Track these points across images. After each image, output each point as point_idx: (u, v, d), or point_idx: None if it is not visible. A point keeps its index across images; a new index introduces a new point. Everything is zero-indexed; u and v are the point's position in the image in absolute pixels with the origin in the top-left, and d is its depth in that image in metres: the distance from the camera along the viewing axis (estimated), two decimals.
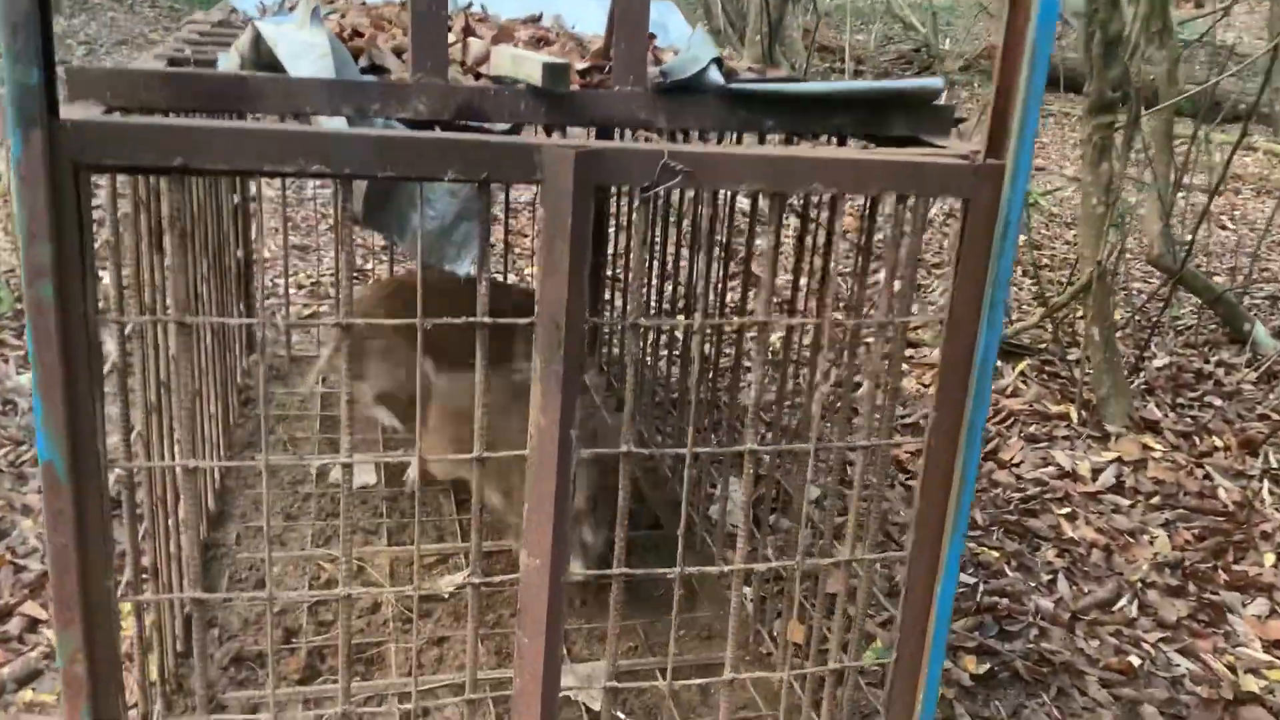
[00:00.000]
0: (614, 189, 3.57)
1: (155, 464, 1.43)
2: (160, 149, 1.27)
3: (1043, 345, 4.66)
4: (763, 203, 1.64)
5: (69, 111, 1.27)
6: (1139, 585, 2.93)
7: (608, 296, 3.96)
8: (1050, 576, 2.95)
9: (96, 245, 1.54)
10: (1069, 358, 4.51)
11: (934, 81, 1.69)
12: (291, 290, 4.70)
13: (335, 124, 1.57)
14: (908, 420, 3.88)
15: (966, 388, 1.64)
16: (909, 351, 4.49)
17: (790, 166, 1.45)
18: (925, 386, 4.19)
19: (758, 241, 2.37)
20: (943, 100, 1.77)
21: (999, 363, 4.47)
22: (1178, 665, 2.61)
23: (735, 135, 2.05)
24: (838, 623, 1.74)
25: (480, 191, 1.41)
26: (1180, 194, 4.64)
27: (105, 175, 1.50)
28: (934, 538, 1.71)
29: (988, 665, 2.51)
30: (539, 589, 1.53)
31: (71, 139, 1.24)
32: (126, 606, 2.14)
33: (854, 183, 1.49)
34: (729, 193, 2.68)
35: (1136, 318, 4.94)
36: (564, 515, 1.51)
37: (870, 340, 1.67)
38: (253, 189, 3.60)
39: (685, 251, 2.93)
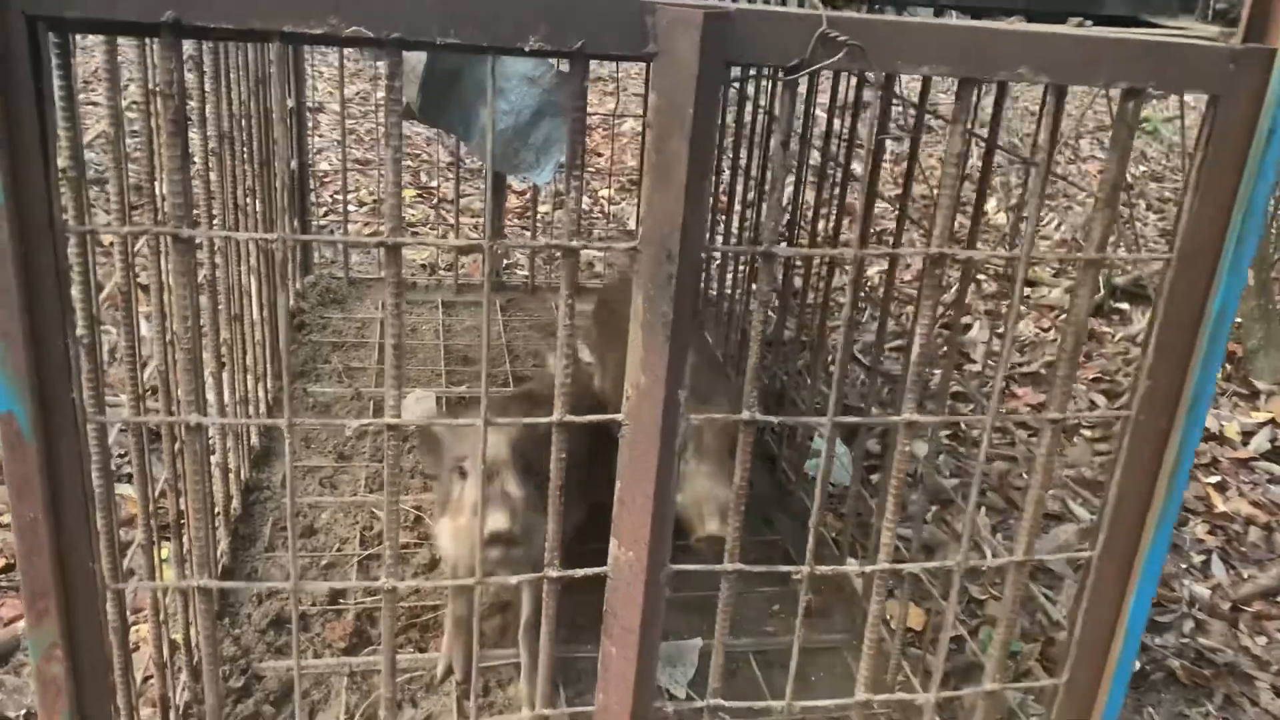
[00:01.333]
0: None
1: (144, 419, 1.13)
2: None
3: None
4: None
5: None
6: None
7: None
8: (1203, 557, 2.56)
9: (88, 139, 1.23)
10: None
11: None
12: (351, 207, 4.42)
13: None
14: (1027, 369, 3.47)
15: (1193, 347, 1.26)
16: (1027, 291, 4.04)
17: (992, 44, 1.07)
18: (1044, 330, 3.76)
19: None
20: None
21: (1125, 305, 4.01)
22: None
23: (896, 11, 1.65)
24: (999, 640, 1.39)
25: (573, 69, 1.06)
26: None
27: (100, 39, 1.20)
28: (1131, 535, 1.35)
29: (1137, 663, 2.15)
30: (632, 588, 1.20)
31: None
32: (165, 552, 1.89)
33: (1074, 69, 1.11)
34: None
35: None
36: (666, 498, 1.17)
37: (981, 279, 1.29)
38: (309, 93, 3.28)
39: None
